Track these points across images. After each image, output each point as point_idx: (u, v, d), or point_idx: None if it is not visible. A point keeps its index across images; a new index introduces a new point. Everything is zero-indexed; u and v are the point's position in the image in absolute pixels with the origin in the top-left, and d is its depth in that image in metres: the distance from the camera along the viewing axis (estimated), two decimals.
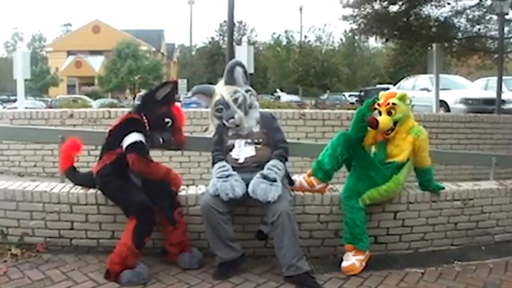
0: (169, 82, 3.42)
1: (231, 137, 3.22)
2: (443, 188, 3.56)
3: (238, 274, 3.03)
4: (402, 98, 3.27)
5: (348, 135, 3.29)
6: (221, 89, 3.28)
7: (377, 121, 3.18)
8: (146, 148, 3.12)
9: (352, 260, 3.12)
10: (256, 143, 3.16)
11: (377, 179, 3.18)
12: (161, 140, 3.17)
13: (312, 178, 3.32)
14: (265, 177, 2.95)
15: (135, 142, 3.02)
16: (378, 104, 3.28)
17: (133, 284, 2.83)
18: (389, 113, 3.23)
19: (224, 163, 3.10)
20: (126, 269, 2.84)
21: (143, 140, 3.07)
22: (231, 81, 3.28)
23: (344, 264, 3.13)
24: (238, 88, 3.25)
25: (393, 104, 3.22)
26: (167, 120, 3.20)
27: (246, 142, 3.16)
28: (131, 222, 2.89)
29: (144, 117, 3.15)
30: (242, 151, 3.14)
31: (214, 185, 2.97)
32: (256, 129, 3.23)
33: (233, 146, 3.17)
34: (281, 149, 3.17)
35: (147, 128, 3.13)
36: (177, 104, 3.52)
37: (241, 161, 3.11)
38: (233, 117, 3.17)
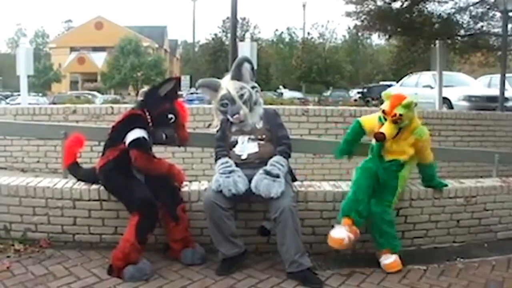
0: (172, 78, 3.43)
1: (235, 133, 3.21)
2: (446, 185, 3.55)
3: (241, 270, 3.04)
4: (409, 106, 3.14)
5: (369, 169, 3.22)
6: (227, 84, 3.26)
7: (384, 135, 3.13)
8: (149, 144, 3.12)
9: (392, 258, 3.11)
10: (259, 139, 3.15)
11: (394, 183, 3.20)
12: (164, 136, 3.18)
13: (354, 227, 3.12)
14: (268, 173, 2.95)
15: (138, 138, 3.02)
16: (384, 111, 3.18)
17: (135, 279, 2.83)
18: (395, 122, 3.16)
19: (227, 159, 3.10)
20: (129, 265, 2.85)
21: (146, 136, 3.06)
22: (238, 76, 3.26)
23: (385, 261, 3.12)
24: (244, 84, 3.24)
25: (400, 115, 3.12)
26: (170, 116, 3.20)
27: (249, 138, 3.15)
28: (133, 218, 2.90)
29: (147, 113, 3.15)
30: (245, 147, 3.13)
31: (217, 181, 2.97)
32: (260, 125, 3.22)
33: (236, 142, 3.17)
34: (284, 145, 3.17)
35: (150, 124, 3.13)
36: (180, 100, 3.51)
37: (244, 157, 3.11)
38: (238, 113, 3.16)
